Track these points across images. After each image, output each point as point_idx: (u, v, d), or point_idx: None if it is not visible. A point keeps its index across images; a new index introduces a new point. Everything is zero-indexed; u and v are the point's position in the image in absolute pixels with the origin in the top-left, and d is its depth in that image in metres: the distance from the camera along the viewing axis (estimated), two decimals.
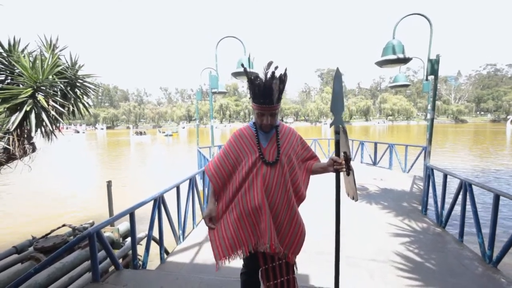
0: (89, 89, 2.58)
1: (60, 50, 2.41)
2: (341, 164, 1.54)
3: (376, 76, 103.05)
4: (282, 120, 54.29)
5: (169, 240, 3.66)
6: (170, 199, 3.52)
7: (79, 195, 9.84)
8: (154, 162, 18.75)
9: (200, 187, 5.04)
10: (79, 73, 2.46)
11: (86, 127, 74.93)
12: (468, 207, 3.38)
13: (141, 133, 42.85)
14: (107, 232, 3.72)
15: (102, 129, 74.48)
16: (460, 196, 3.57)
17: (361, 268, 2.94)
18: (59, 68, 2.24)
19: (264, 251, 1.55)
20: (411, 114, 77.83)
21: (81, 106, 2.49)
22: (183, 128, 66.44)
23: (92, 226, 3.17)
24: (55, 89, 2.32)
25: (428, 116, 4.63)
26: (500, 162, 13.66)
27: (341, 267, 1.68)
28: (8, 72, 2.12)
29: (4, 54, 2.13)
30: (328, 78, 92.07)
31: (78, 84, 2.47)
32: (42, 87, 2.11)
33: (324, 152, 11.50)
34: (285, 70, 1.53)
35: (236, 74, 5.58)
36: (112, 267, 2.99)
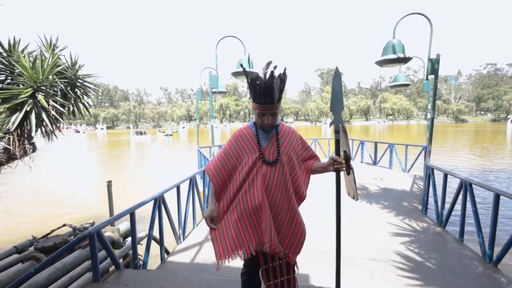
0: (89, 89, 2.58)
1: (60, 50, 2.41)
2: (341, 163, 1.54)
3: (376, 76, 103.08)
4: (282, 120, 54.27)
5: (169, 240, 3.66)
6: (170, 199, 3.52)
7: (80, 195, 9.85)
8: (154, 162, 18.75)
9: (201, 187, 5.04)
10: (79, 73, 2.47)
11: (86, 127, 74.97)
12: (468, 206, 3.38)
13: (141, 133, 42.82)
14: (108, 232, 3.72)
15: (102, 129, 74.50)
16: (460, 196, 3.57)
17: (361, 268, 2.94)
18: (59, 68, 2.25)
19: (264, 251, 1.55)
20: (411, 113, 77.86)
21: (81, 106, 2.50)
22: (183, 128, 66.45)
23: (92, 226, 3.17)
24: (55, 89, 2.32)
25: (428, 116, 4.63)
26: (500, 162, 13.65)
27: (341, 266, 1.68)
28: (8, 72, 2.12)
29: (4, 54, 2.13)
30: (328, 78, 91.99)
31: (78, 84, 2.47)
32: (42, 87, 2.12)
33: (324, 152, 11.50)
34: (285, 69, 1.53)
35: (236, 74, 5.57)
36: (113, 267, 2.99)
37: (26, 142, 2.26)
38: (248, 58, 5.42)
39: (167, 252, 3.73)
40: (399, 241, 3.56)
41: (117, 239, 3.78)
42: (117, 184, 9.49)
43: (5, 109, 2.01)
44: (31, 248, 3.30)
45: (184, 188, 3.95)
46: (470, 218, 3.36)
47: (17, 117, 2.02)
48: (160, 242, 3.33)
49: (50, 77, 2.16)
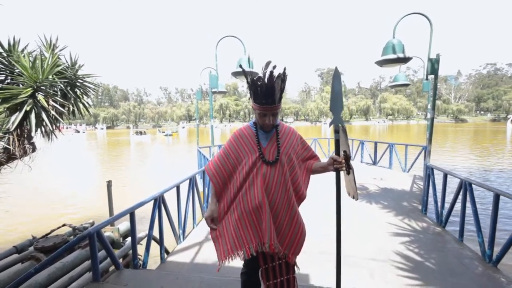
0: (89, 89, 2.58)
1: (60, 50, 2.41)
2: (341, 163, 1.54)
3: (376, 76, 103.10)
4: (282, 120, 54.28)
5: (169, 240, 3.66)
6: (170, 199, 3.52)
7: (79, 195, 9.84)
8: (154, 162, 18.74)
9: (200, 187, 5.04)
10: (79, 73, 2.47)
11: (86, 127, 74.96)
12: (468, 206, 3.38)
13: (141, 133, 42.80)
14: (107, 232, 3.72)
15: (102, 129, 74.48)
16: (460, 196, 3.57)
17: (361, 268, 2.94)
18: (59, 68, 2.25)
19: (264, 251, 1.55)
20: (411, 113, 77.86)
21: (81, 106, 2.50)
22: (183, 127, 66.40)
23: (92, 226, 3.18)
24: (55, 89, 2.32)
25: (428, 116, 4.63)
26: (500, 162, 13.66)
27: (342, 266, 1.68)
28: (8, 72, 2.12)
29: (4, 54, 2.13)
30: (328, 78, 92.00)
31: (78, 84, 2.47)
32: (42, 87, 2.12)
33: (324, 152, 11.50)
34: (284, 69, 1.53)
35: (236, 74, 5.57)
36: (113, 267, 2.99)
37: (26, 142, 2.26)
38: (248, 58, 5.42)
39: (167, 252, 3.73)
40: (399, 241, 3.56)
41: (117, 239, 3.78)
42: (117, 184, 9.49)
43: (5, 109, 2.01)
44: (31, 248, 3.30)
45: (184, 188, 3.95)
46: (470, 218, 3.36)
47: (17, 117, 2.02)
48: (160, 242, 3.33)
49: (50, 77, 2.16)
